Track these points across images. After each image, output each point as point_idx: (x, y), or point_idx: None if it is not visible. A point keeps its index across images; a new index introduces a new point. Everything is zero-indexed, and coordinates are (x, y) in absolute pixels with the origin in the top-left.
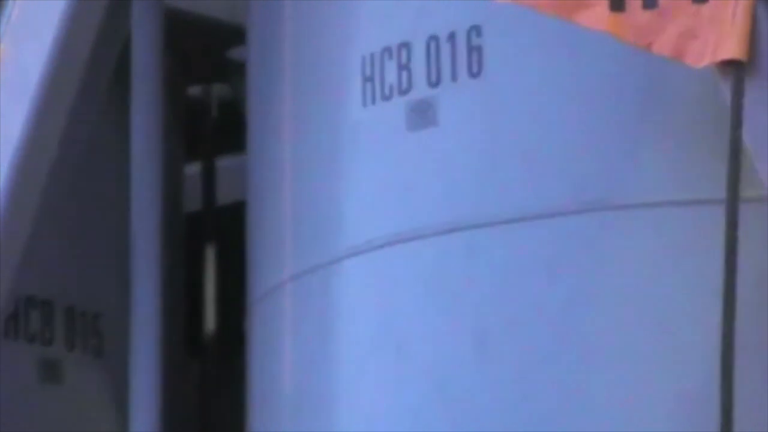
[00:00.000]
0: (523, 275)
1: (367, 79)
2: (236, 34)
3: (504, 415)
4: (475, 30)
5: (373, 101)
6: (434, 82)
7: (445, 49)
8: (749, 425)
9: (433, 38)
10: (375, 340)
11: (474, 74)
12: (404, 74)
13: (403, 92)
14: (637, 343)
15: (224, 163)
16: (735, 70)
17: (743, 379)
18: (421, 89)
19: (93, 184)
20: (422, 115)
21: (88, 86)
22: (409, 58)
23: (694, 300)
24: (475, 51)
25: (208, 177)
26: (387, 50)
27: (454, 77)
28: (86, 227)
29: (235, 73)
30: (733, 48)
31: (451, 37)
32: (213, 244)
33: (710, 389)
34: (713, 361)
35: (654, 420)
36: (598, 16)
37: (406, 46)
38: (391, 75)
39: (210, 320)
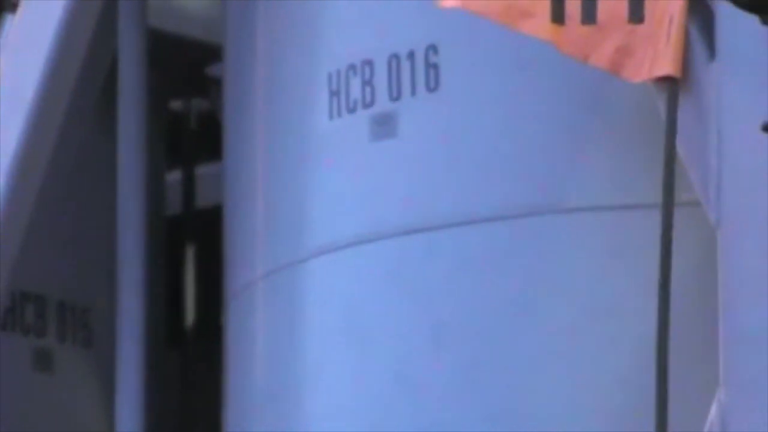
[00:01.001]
0: (477, 273)
1: (334, 94)
2: (213, 53)
3: (458, 400)
4: (432, 49)
5: (339, 114)
6: (395, 97)
7: (405, 66)
8: (682, 406)
9: (394, 56)
10: (340, 333)
11: (431, 89)
12: (367, 89)
13: (366, 106)
14: (579, 334)
15: (203, 170)
16: (669, 85)
17: (676, 365)
18: (382, 103)
19: (84, 190)
20: (384, 127)
21: (78, 99)
22: (371, 75)
23: (633, 295)
24: (432, 68)
25: (188, 183)
26: (352, 67)
27: (413, 92)
28: (77, 229)
29: (212, 87)
30: (667, 65)
31: (410, 55)
32: (192, 244)
33: (647, 374)
34: (650, 348)
35: (596, 402)
36: (539, 26)
37: (369, 63)
38: (355, 90)
39: (189, 314)
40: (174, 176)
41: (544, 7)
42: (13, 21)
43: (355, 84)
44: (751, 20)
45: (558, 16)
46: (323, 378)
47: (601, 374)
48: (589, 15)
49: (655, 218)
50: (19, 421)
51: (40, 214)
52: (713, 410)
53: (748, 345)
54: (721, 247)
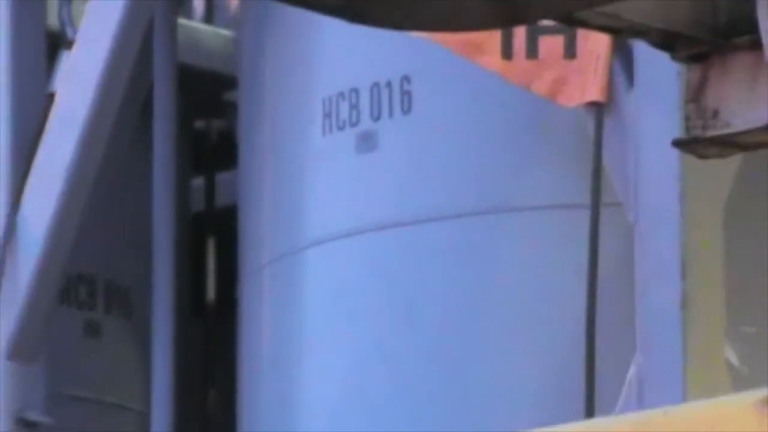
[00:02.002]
0: (442, 262)
1: (326, 115)
2: (230, 82)
3: (426, 368)
4: (406, 79)
5: (330, 131)
6: (376, 117)
7: (384, 93)
8: (607, 368)
9: (375, 85)
10: (330, 310)
11: (405, 112)
12: (354, 111)
13: (353, 125)
14: (521, 318)
15: (221, 176)
16: (597, 109)
17: (602, 335)
18: (366, 123)
19: (126, 192)
20: (367, 142)
21: (121, 119)
22: (357, 100)
23: (568, 279)
24: (406, 94)
25: (209, 186)
26: (341, 94)
27: (390, 114)
28: (121, 222)
29: (229, 110)
30: (595, 93)
31: (388, 84)
32: (213, 236)
33: (581, 343)
34: (580, 333)
35: (540, 365)
36: (492, 61)
37: (355, 90)
38: (344, 112)
39: (210, 292)
40: (198, 181)
41: (496, 44)
42: (68, 56)
43: (344, 107)
44: (663, 56)
45: (507, 52)
46: (316, 348)
47: (544, 344)
48: (532, 51)
49: (585, 216)
50: (72, 380)
51: (91, 212)
52: (632, 371)
53: (659, 318)
54: (636, 240)
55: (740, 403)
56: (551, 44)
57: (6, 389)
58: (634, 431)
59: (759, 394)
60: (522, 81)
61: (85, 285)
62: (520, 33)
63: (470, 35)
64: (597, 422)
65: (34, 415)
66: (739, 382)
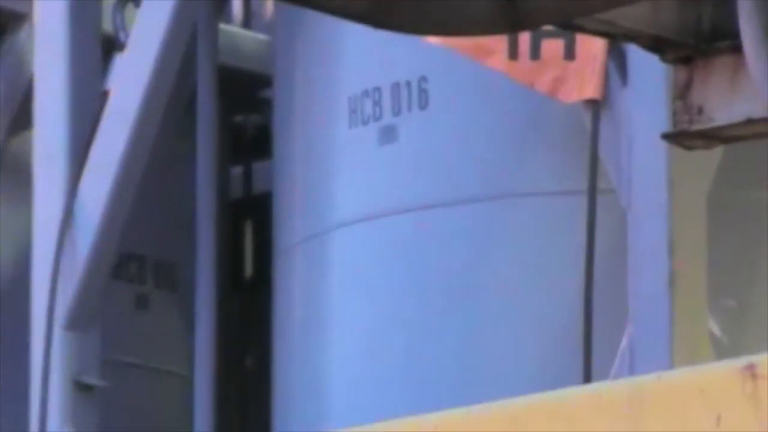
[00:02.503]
0: (452, 242)
1: (352, 111)
2: (265, 80)
3: (437, 334)
4: (423, 79)
5: (355, 125)
6: (396, 113)
7: (404, 91)
8: (602, 338)
9: (396, 84)
10: (353, 285)
11: (422, 107)
12: (376, 108)
13: (375, 119)
14: (524, 292)
15: (258, 165)
16: (593, 105)
17: (598, 309)
18: (387, 118)
19: (172, 179)
20: (388, 135)
21: (167, 115)
22: (380, 97)
23: (567, 257)
24: (423, 92)
25: (247, 174)
26: (365, 92)
27: (409, 109)
28: (168, 206)
29: (264, 106)
30: (592, 90)
31: (407, 83)
32: (250, 219)
33: (579, 316)
34: (578, 307)
35: (533, 345)
36: (499, 61)
37: (377, 89)
38: (367, 108)
39: (248, 268)
40: (236, 170)
41: (502, 46)
42: (121, 57)
43: (368, 104)
44: (653, 59)
45: (512, 53)
46: (341, 316)
47: (546, 316)
48: (535, 53)
49: (583, 201)
50: (124, 347)
51: (141, 196)
52: (624, 341)
53: (648, 294)
54: (629, 223)
55: (726, 369)
56: (552, 47)
57: (64, 356)
58: (630, 394)
59: (743, 361)
60: (526, 80)
61: (135, 262)
62: (524, 37)
63: (479, 39)
64: (596, 386)
65: (89, 379)
66: (721, 350)
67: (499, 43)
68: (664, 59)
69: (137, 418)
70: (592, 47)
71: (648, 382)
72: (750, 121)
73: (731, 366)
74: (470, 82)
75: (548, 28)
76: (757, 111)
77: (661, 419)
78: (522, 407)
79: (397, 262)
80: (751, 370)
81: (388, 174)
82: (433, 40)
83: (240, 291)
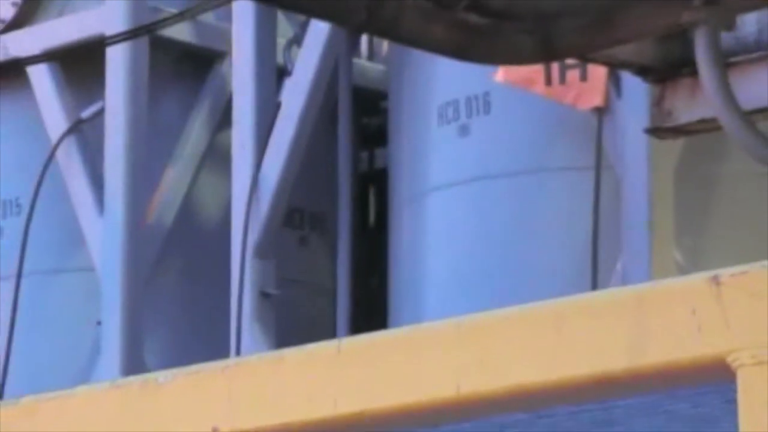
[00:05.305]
0: (506, 203)
1: (440, 115)
2: (383, 95)
3: (496, 262)
4: (487, 93)
5: (442, 125)
6: (469, 116)
7: (473, 101)
8: (604, 265)
9: (468, 97)
10: (441, 230)
11: (486, 113)
12: (456, 113)
13: (455, 120)
14: (554, 233)
15: (378, 150)
16: (599, 110)
17: (602, 252)
18: (463, 119)
19: (324, 158)
20: (464, 131)
21: (321, 118)
22: (457, 105)
23: (580, 211)
24: (486, 102)
25: (371, 156)
26: (448, 102)
27: (477, 113)
28: (320, 177)
29: (383, 112)
30: (598, 100)
31: (476, 96)
32: (373, 186)
33: (587, 256)
34: (588, 243)
35: (559, 268)
36: (539, 87)
37: (456, 100)
38: (450, 113)
39: (371, 219)
40: (364, 153)
41: (541, 76)
42: (289, 80)
43: (450, 110)
44: (638, 80)
45: (548, 81)
46: (434, 253)
47: (567, 249)
48: (562, 79)
49: (592, 174)
50: (291, 270)
51: (302, 170)
52: (618, 266)
53: (635, 236)
54: (623, 189)
55: (700, 278)
56: (573, 74)
57: (253, 275)
58: (628, 297)
59: (710, 273)
60: (557, 97)
61: (298, 214)
62: (554, 68)
63: (524, 72)
64: (601, 292)
65: (269, 290)
66: (682, 273)
67: (538, 74)
68: (646, 80)
69: (299, 316)
70: (598, 72)
71: (643, 289)
72: (703, 121)
73: (703, 276)
74: (518, 96)
75: (570, 61)
76: (708, 114)
77: (658, 314)
78: (563, 305)
79: (472, 215)
80: (716, 279)
81: (464, 156)
82: (496, 76)
83: (366, 234)
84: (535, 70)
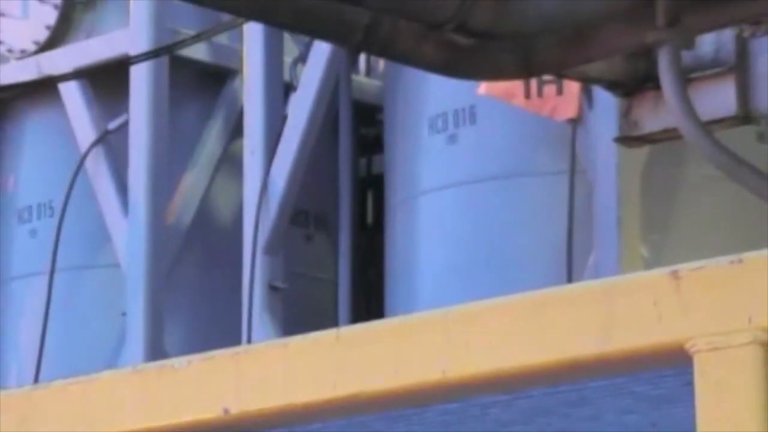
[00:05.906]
0: (491, 198)
1: (430, 126)
2: (379, 108)
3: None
4: (472, 106)
5: (432, 134)
6: (456, 126)
7: (461, 113)
8: (578, 259)
9: (456, 109)
10: (430, 228)
11: (472, 123)
12: (444, 123)
13: (444, 130)
14: (534, 225)
15: (375, 157)
16: (573, 121)
17: (577, 249)
18: (451, 129)
19: (326, 165)
20: (452, 140)
21: (323, 128)
22: (446, 117)
23: (557, 209)
24: (472, 114)
25: (369, 163)
26: (438, 114)
27: (464, 123)
28: (323, 181)
29: (379, 123)
30: (572, 112)
31: (463, 109)
32: (370, 190)
33: (562, 249)
34: (563, 236)
35: (538, 262)
36: (518, 100)
37: (445, 112)
38: (439, 123)
39: (369, 218)
40: (363, 160)
41: (520, 90)
42: (294, 96)
43: (440, 121)
44: (608, 93)
45: (527, 95)
46: (428, 245)
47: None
48: (540, 93)
49: (566, 177)
50: (298, 264)
51: (307, 175)
52: (591, 260)
53: (605, 233)
54: (594, 191)
55: (660, 273)
56: (550, 89)
57: (263, 269)
58: (598, 288)
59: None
60: (535, 109)
61: (303, 214)
62: (533, 83)
63: (505, 86)
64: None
65: (278, 283)
66: (648, 266)
67: (518, 88)
68: (615, 94)
69: (304, 306)
70: (572, 87)
71: (615, 281)
72: (666, 130)
73: (664, 270)
74: (501, 108)
75: (547, 77)
76: (670, 124)
77: (624, 304)
78: (540, 296)
79: (460, 215)
80: (675, 273)
81: (452, 162)
82: (480, 90)
83: (365, 233)
84: (516, 85)
